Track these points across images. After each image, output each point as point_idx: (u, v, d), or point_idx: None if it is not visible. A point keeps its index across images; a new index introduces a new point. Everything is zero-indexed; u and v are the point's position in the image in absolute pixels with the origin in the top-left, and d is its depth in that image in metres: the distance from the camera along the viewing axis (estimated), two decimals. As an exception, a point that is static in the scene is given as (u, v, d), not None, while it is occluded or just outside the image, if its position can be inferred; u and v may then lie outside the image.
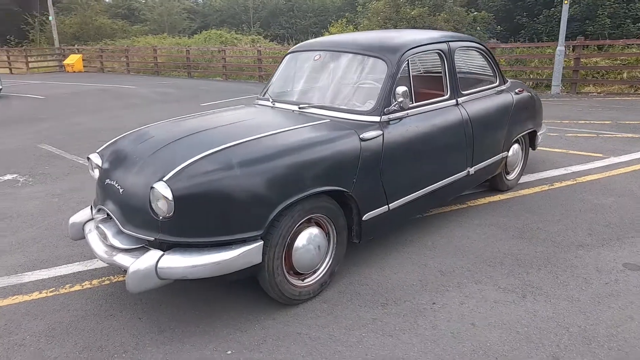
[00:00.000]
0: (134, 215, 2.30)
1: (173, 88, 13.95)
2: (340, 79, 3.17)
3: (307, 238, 2.51)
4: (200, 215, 2.19)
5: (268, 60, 15.77)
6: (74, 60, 20.68)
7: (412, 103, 3.08)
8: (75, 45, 23.88)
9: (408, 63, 3.08)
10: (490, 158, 3.72)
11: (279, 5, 39.55)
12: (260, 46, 17.88)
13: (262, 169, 2.28)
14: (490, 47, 11.46)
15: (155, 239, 2.22)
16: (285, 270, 2.47)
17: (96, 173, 2.73)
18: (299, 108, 3.06)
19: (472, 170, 3.51)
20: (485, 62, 3.88)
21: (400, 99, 2.84)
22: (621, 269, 2.90)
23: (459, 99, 3.41)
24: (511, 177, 4.30)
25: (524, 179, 4.58)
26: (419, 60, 3.70)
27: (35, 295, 2.77)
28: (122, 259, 2.27)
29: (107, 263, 2.38)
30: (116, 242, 2.34)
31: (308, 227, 2.55)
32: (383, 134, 2.80)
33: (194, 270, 2.16)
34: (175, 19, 30.63)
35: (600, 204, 3.92)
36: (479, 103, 3.59)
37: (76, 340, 2.34)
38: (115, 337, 2.35)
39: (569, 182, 4.47)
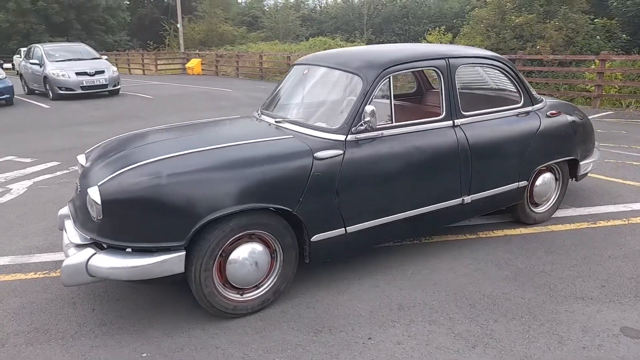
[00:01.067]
0: (81, 214, 2.51)
1: (266, 92, 14.62)
2: (318, 94, 3.11)
3: (245, 253, 2.52)
4: (125, 221, 2.32)
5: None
6: (194, 64, 22.73)
7: (391, 123, 2.93)
8: (197, 50, 26.19)
9: (390, 81, 2.92)
10: (497, 187, 3.34)
11: (394, 11, 39.35)
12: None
13: (190, 181, 2.34)
14: (600, 59, 10.24)
15: (91, 238, 2.40)
16: (217, 282, 2.50)
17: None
18: (275, 122, 3.07)
19: (468, 198, 3.19)
20: (507, 80, 3.50)
21: (367, 119, 2.71)
22: (615, 333, 2.43)
23: (457, 120, 3.13)
24: (541, 209, 3.81)
25: (567, 212, 4.04)
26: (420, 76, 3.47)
27: (31, 275, 3.14)
28: (70, 253, 2.49)
29: (64, 254, 2.63)
30: (72, 237, 2.57)
31: (250, 242, 2.55)
32: (344, 153, 2.69)
33: (114, 272, 2.30)
34: (289, 26, 32.09)
35: (642, 252, 3.31)
36: (485, 125, 3.26)
37: (33, 320, 2.61)
38: (62, 324, 2.58)
39: (617, 222, 3.84)
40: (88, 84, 12.32)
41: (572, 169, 3.87)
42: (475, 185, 3.21)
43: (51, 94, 12.44)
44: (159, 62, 24.02)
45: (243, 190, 2.42)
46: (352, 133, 2.75)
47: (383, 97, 2.90)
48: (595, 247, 3.40)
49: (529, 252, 3.35)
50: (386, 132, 2.87)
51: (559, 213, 4.01)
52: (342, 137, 2.74)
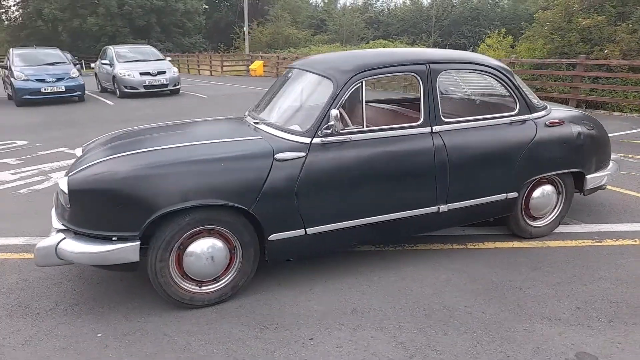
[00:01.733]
0: (59, 202, 2.76)
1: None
2: (297, 97, 3.17)
3: (202, 247, 2.65)
4: (88, 211, 2.53)
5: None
6: (257, 65, 23.49)
7: (362, 127, 2.94)
8: (261, 53, 26.98)
9: (362, 85, 2.93)
10: (480, 197, 3.22)
11: (464, 13, 38.18)
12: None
13: (146, 177, 2.51)
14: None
15: (63, 224, 2.65)
16: (175, 273, 2.65)
17: (77, 164, 3.31)
18: (254, 123, 3.18)
19: (444, 207, 3.11)
20: (502, 87, 3.36)
21: (331, 122, 2.75)
22: (569, 358, 2.28)
23: (436, 127, 3.06)
24: (539, 223, 3.61)
25: (574, 228, 3.79)
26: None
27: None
28: (50, 236, 2.75)
29: (50, 238, 2.90)
30: (54, 223, 2.83)
31: (209, 237, 2.68)
32: (306, 156, 2.74)
33: (78, 256, 2.51)
34: (353, 29, 32.17)
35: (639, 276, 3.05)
36: (468, 133, 3.15)
37: (20, 295, 2.92)
38: (43, 300, 2.85)
39: (626, 242, 3.55)
40: (150, 84, 13.19)
41: (578, 182, 3.63)
42: (453, 194, 3.12)
43: (118, 92, 13.46)
44: (224, 63, 25.04)
45: (199, 187, 2.55)
46: (319, 136, 2.80)
47: (361, 101, 2.92)
48: (588, 267, 3.17)
49: (511, 267, 3.19)
50: (355, 137, 2.88)
51: (564, 228, 3.77)
52: (307, 140, 2.79)
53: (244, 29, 26.48)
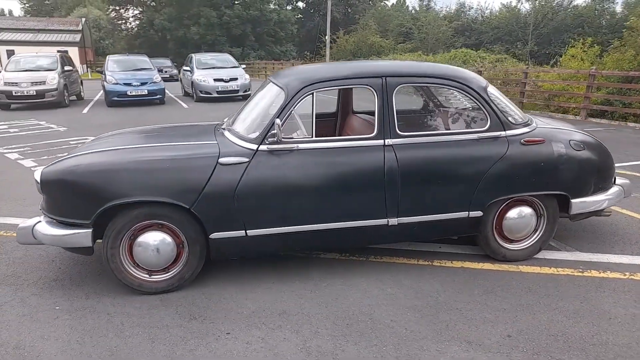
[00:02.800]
0: (43, 190, 3.20)
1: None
2: (259, 107, 3.34)
3: (149, 239, 2.93)
4: (53, 199, 2.92)
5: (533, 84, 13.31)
6: (335, 73, 23.93)
7: (311, 137, 3.05)
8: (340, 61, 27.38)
9: (313, 97, 3.04)
10: (437, 213, 3.15)
11: (566, 20, 35.57)
12: (528, 67, 16.56)
13: (99, 172, 2.84)
14: None
15: (40, 209, 3.08)
16: (126, 260, 2.96)
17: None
18: (222, 129, 3.41)
19: (394, 220, 3.09)
20: (474, 103, 3.25)
21: (274, 131, 2.90)
22: (464, 384, 2.21)
23: (390, 140, 3.06)
24: (515, 246, 3.42)
25: (562, 255, 3.54)
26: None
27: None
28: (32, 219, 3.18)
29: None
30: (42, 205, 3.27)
31: (158, 231, 2.96)
32: (249, 162, 2.91)
33: (43, 237, 2.92)
34: (440, 37, 31.42)
35: (610, 315, 2.78)
36: (425, 147, 3.10)
37: (18, 267, 3.40)
38: (32, 274, 3.30)
39: (613, 275, 3.24)
40: (222, 89, 14.10)
41: (563, 206, 3.39)
42: (405, 209, 3.10)
43: (195, 97, 14.56)
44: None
45: (144, 184, 2.83)
46: (266, 144, 2.96)
47: (312, 113, 3.05)
48: (549, 296, 2.96)
49: (465, 287, 3.08)
50: (302, 146, 3.00)
51: (550, 254, 3.53)
52: (254, 147, 2.96)
53: (325, 37, 27.02)
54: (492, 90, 3.38)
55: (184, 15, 40.75)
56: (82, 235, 2.86)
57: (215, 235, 2.94)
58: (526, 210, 3.35)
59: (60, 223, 2.92)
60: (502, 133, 3.23)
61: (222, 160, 2.90)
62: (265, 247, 3.08)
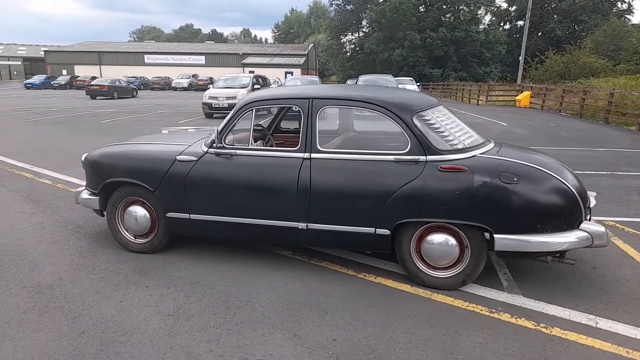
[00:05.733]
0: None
1: (541, 127, 13.38)
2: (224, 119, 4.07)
3: (132, 211, 3.99)
4: (88, 173, 4.22)
5: None
6: (522, 96, 22.28)
7: (248, 145, 3.68)
8: (545, 84, 25.00)
9: (252, 113, 3.67)
10: (345, 225, 3.37)
11: None
12: None
13: (106, 159, 4.02)
14: None
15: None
16: (119, 224, 4.08)
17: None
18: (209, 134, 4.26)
19: (303, 225, 3.45)
20: (397, 127, 3.37)
21: (212, 138, 3.65)
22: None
23: (309, 154, 3.45)
24: (437, 274, 3.35)
25: (490, 294, 3.30)
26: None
27: (126, 207, 5.51)
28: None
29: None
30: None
31: (141, 206, 3.99)
32: (197, 161, 3.71)
33: (80, 200, 4.25)
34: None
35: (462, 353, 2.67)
36: (341, 164, 3.37)
37: (54, 229, 4.88)
38: (56, 235, 4.71)
39: (525, 323, 2.93)
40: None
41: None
42: (314, 216, 3.43)
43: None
44: (490, 93, 24.63)
45: (128, 170, 3.89)
46: (214, 148, 3.72)
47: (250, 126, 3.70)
48: (413, 322, 2.92)
49: (357, 297, 3.25)
50: (239, 152, 3.65)
51: (487, 292, 3.33)
52: (204, 149, 3.75)
53: (520, 58, 25.19)
54: (430, 114, 3.43)
55: (393, 39, 42.99)
56: (95, 201, 4.10)
57: (169, 214, 3.82)
58: (447, 238, 3.28)
59: (88, 191, 4.22)
60: (422, 158, 3.27)
61: (178, 157, 3.77)
62: (205, 230, 3.81)
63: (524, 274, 3.64)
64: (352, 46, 52.37)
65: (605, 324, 2.91)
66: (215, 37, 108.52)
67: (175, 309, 3.12)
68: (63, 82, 44.51)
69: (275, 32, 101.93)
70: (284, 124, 4.94)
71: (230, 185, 3.62)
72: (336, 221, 3.42)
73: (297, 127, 4.54)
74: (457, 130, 3.53)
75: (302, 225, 3.49)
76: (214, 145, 3.70)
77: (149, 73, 51.43)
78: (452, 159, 3.24)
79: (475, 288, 3.38)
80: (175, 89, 44.11)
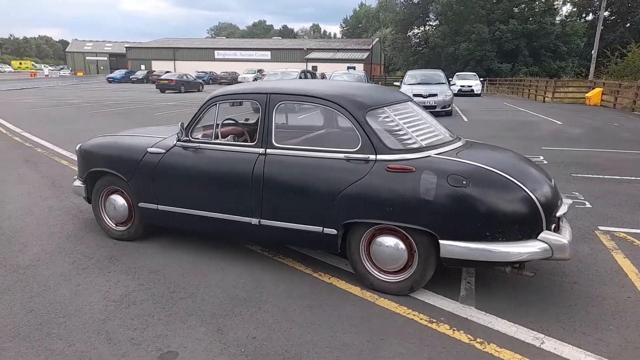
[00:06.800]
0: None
1: (622, 131, 12.26)
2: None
3: (111, 199, 4.19)
4: (78, 162, 4.47)
5: None
6: (593, 93, 20.61)
7: (210, 140, 3.72)
8: (620, 81, 22.92)
9: (217, 107, 3.69)
10: (293, 223, 3.31)
11: None
12: None
13: (91, 148, 4.24)
14: None
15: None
16: (102, 212, 4.29)
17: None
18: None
19: (255, 221, 3.43)
20: (349, 124, 3.24)
21: (178, 132, 3.73)
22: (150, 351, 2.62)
23: (264, 149, 3.42)
24: (385, 277, 3.20)
25: (444, 304, 3.09)
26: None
27: (133, 196, 5.79)
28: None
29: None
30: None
31: (120, 195, 4.18)
32: (164, 154, 3.81)
33: (72, 188, 4.52)
34: None
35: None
36: (294, 160, 3.30)
37: (61, 213, 5.19)
38: (66, 226, 5.02)
39: (460, 337, 2.73)
40: (420, 104, 14.36)
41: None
42: (266, 213, 3.40)
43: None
44: (558, 89, 22.99)
45: (104, 160, 4.09)
46: (181, 141, 3.80)
47: (214, 121, 3.73)
48: (363, 334, 2.81)
49: (300, 295, 3.19)
50: (202, 146, 3.70)
51: (430, 298, 3.15)
52: (172, 143, 3.85)
53: (593, 51, 23.25)
54: (388, 112, 3.29)
55: (459, 32, 41.40)
56: (82, 188, 4.34)
57: (141, 204, 3.96)
58: (394, 241, 3.12)
59: (78, 180, 4.48)
60: (372, 156, 3.13)
61: (149, 149, 3.89)
62: (171, 222, 3.90)
63: (490, 285, 3.38)
64: (417, 40, 51.04)
65: (551, 344, 2.64)
66: (286, 32, 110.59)
67: (123, 296, 3.24)
68: (140, 77, 47.49)
69: (343, 27, 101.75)
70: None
71: (193, 178, 3.68)
72: (286, 218, 3.37)
73: (284, 122, 4.56)
74: (418, 128, 3.35)
75: (254, 221, 3.47)
76: (181, 138, 3.78)
77: (218, 68, 53.38)
78: (401, 158, 3.08)
79: (428, 295, 3.20)
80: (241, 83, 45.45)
